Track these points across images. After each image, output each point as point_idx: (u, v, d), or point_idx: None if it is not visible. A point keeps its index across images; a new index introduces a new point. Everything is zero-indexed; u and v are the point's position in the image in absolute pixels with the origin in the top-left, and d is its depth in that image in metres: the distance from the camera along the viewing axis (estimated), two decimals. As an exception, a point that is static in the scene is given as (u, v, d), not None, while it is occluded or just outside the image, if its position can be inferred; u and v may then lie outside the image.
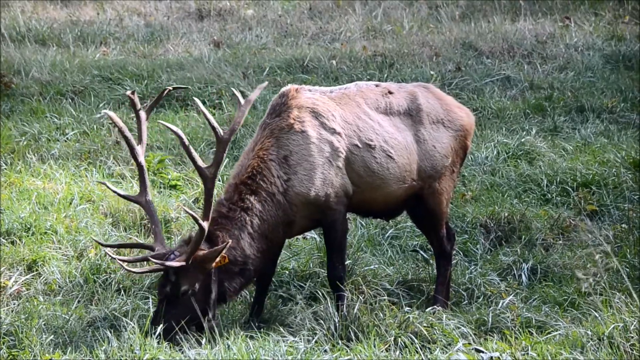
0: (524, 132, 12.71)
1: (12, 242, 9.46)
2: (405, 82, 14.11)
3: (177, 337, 7.54)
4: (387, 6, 19.29)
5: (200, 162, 7.66)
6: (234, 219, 7.83)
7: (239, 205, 7.85)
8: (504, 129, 13.00)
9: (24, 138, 12.43)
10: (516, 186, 11.04)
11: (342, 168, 7.99)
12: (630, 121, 13.32)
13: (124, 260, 7.65)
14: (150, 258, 7.55)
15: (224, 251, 7.57)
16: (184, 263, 7.52)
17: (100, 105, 13.63)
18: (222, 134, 7.70)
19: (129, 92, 7.98)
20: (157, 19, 18.98)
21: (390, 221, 9.93)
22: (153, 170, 11.29)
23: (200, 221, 7.55)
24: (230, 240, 7.64)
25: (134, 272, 7.78)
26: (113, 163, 11.58)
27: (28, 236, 9.51)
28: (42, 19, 18.50)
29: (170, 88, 8.20)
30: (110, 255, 7.79)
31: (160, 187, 11.02)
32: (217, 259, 7.59)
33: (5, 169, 11.39)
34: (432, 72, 14.83)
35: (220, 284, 7.74)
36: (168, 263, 7.50)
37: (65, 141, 12.45)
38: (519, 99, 14.17)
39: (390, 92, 8.37)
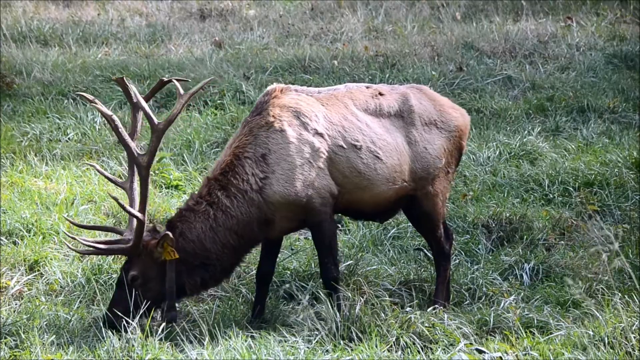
0: (526, 132, 12.71)
1: (14, 243, 9.47)
2: (407, 82, 14.16)
3: (121, 322, 7.60)
4: (388, 6, 19.28)
5: (134, 151, 7.69)
6: (198, 212, 7.86)
7: (206, 199, 7.88)
8: (505, 129, 13.00)
9: (25, 138, 12.45)
10: (518, 186, 11.03)
11: (324, 169, 7.94)
12: (632, 121, 13.32)
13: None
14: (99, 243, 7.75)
15: (174, 244, 7.66)
16: (123, 247, 7.71)
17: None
18: (157, 123, 7.72)
19: (115, 77, 8.05)
20: (158, 19, 18.97)
21: (391, 221, 9.94)
22: (154, 169, 11.29)
23: (135, 213, 7.65)
24: (168, 233, 7.67)
25: (77, 252, 7.94)
26: (115, 163, 11.59)
27: (30, 236, 9.51)
28: (44, 19, 18.50)
29: (166, 78, 8.10)
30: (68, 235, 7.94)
31: (162, 187, 11.03)
32: (163, 251, 7.66)
33: (7, 169, 11.40)
34: (433, 73, 14.83)
35: (178, 276, 7.77)
36: (109, 247, 7.71)
37: (67, 141, 12.46)
38: (521, 99, 14.17)
39: (381, 94, 8.30)
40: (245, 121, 8.05)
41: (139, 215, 7.66)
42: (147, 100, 8.01)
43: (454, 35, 16.74)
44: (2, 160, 11.69)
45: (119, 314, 7.62)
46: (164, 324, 7.67)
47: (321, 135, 7.96)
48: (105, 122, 12.82)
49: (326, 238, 8.01)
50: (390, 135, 8.20)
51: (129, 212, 7.69)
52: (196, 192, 8.00)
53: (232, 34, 17.74)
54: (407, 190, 8.26)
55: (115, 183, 8.00)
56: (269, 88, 8.13)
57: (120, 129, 7.66)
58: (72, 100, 13.85)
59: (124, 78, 7.88)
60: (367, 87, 8.37)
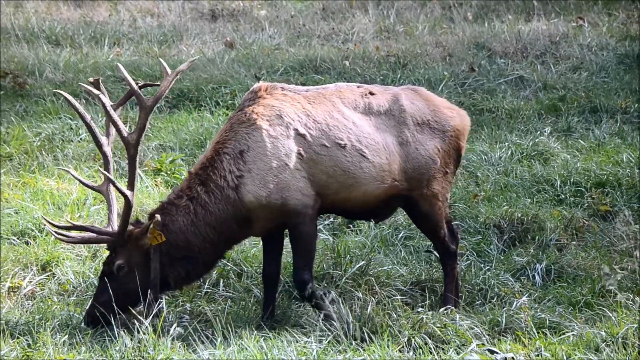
0: (538, 133, 12.69)
1: (26, 243, 9.49)
2: (418, 82, 14.16)
3: (108, 314, 7.71)
4: (400, 6, 19.27)
5: (122, 129, 7.73)
6: (179, 206, 7.88)
7: (186, 193, 7.90)
8: (517, 129, 12.97)
9: (37, 139, 12.48)
10: (530, 186, 11.01)
11: (302, 171, 7.86)
12: (643, 121, 13.29)
13: (60, 227, 7.85)
14: (83, 226, 7.82)
15: (160, 230, 7.70)
16: (110, 230, 7.74)
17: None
18: (145, 99, 7.75)
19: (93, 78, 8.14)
20: (170, 20, 19.00)
21: (402, 222, 9.93)
22: (166, 170, 11.31)
23: (124, 190, 7.69)
24: (158, 216, 7.71)
25: (62, 241, 7.92)
26: (127, 164, 11.59)
27: (42, 237, 9.54)
28: (56, 20, 18.54)
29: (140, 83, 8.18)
30: (47, 221, 7.94)
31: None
32: (151, 236, 7.70)
33: (19, 169, 11.44)
34: (445, 73, 14.81)
35: (162, 267, 7.79)
36: (95, 230, 7.74)
37: (79, 142, 12.49)
38: (533, 99, 14.15)
39: (372, 93, 8.23)
40: (229, 117, 8.07)
41: (128, 192, 7.68)
42: (120, 105, 8.14)
43: (466, 35, 16.72)
44: (14, 160, 11.73)
45: (103, 308, 7.71)
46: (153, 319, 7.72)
47: (302, 136, 7.89)
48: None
49: (304, 242, 7.94)
50: (380, 134, 8.11)
51: (119, 190, 7.69)
52: (178, 186, 8.03)
53: (243, 35, 17.75)
54: (399, 190, 8.16)
55: (91, 188, 8.03)
56: (254, 86, 8.13)
57: (108, 107, 7.70)
58: (84, 101, 13.87)
59: (100, 79, 8.03)
60: (358, 87, 8.31)
